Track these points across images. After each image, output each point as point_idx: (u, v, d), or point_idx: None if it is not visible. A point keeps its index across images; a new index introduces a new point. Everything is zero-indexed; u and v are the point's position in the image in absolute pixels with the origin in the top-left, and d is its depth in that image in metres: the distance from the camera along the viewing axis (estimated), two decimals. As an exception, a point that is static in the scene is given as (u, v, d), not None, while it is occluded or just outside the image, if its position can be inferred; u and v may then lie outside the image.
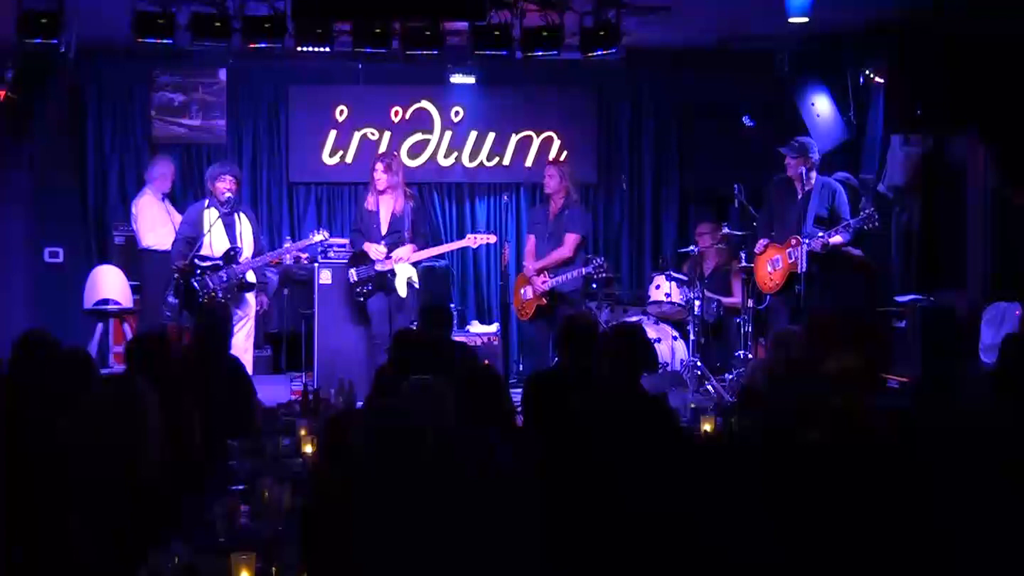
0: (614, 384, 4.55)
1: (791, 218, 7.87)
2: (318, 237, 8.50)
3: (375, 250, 8.28)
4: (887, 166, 9.01)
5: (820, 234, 7.69)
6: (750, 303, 8.52)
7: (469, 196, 10.44)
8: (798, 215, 7.82)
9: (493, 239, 9.02)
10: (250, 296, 8.35)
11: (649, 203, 10.49)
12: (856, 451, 3.44)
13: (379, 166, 8.41)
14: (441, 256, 9.47)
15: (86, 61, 8.94)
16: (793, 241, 7.73)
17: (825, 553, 3.11)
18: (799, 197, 7.87)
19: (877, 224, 7.81)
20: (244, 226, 8.29)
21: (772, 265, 7.93)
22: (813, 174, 7.90)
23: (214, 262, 8.08)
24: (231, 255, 8.10)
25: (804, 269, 7.58)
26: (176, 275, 8.00)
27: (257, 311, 8.53)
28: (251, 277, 8.27)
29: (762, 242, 8.04)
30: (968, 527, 3.09)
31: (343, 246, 8.85)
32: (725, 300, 9.12)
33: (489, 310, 10.31)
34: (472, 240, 8.83)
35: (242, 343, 8.00)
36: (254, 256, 8.27)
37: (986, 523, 3.11)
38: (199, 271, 8.03)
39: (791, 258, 7.75)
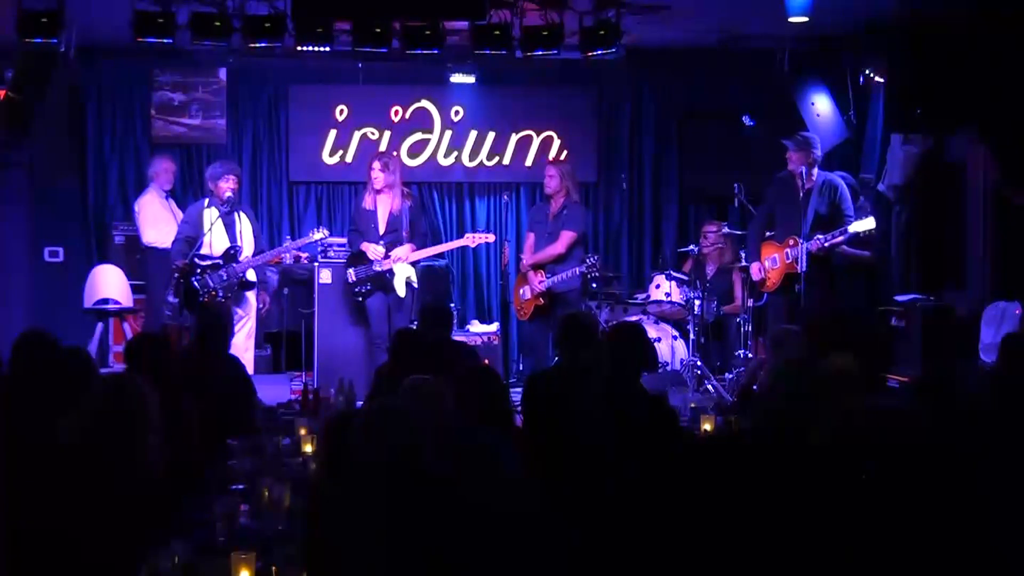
0: (614, 384, 4.55)
1: (792, 216, 7.81)
2: (317, 236, 8.49)
3: (373, 250, 8.27)
4: (887, 166, 9.01)
5: (818, 236, 7.63)
6: (750, 303, 8.52)
7: (469, 195, 10.45)
8: (798, 213, 7.77)
9: (491, 238, 9.01)
10: (250, 295, 8.34)
11: (649, 203, 10.49)
12: (855, 451, 3.44)
13: (376, 165, 8.41)
14: (441, 255, 9.47)
15: (86, 61, 8.94)
16: (791, 241, 7.71)
17: (825, 553, 3.11)
18: (800, 195, 7.82)
19: (873, 232, 7.77)
20: (244, 225, 8.28)
21: (770, 263, 7.90)
22: (815, 171, 7.82)
23: (214, 261, 8.07)
24: (231, 254, 8.10)
25: (804, 269, 7.55)
26: (177, 275, 8.00)
27: (259, 309, 8.52)
28: (251, 276, 8.26)
29: (756, 267, 7.97)
30: (968, 526, 3.09)
31: (343, 246, 8.85)
32: (725, 308, 9.11)
33: (489, 310, 10.31)
34: (471, 239, 8.83)
35: (242, 343, 7.99)
36: (254, 255, 8.27)
37: (986, 522, 3.11)
38: (199, 270, 8.03)
39: (788, 258, 7.72)
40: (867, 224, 7.67)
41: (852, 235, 7.68)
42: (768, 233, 8.07)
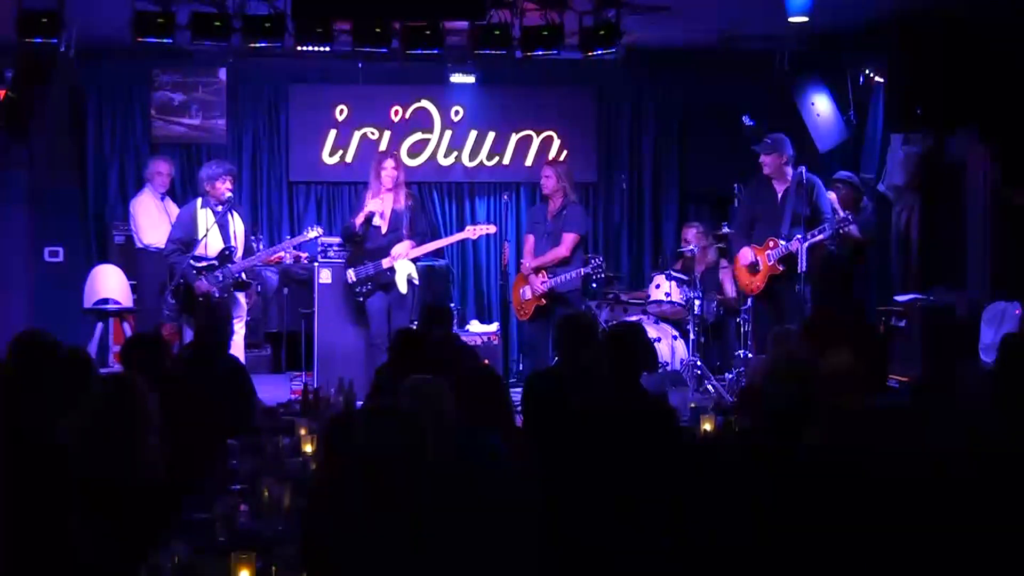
0: (614, 384, 4.55)
1: (771, 218, 7.78)
2: (312, 234, 8.47)
3: (362, 216, 8.25)
4: (887, 166, 9.01)
5: (797, 236, 7.58)
6: (748, 302, 8.52)
7: (469, 195, 10.45)
8: (778, 214, 7.73)
9: (493, 229, 8.97)
10: (241, 297, 8.29)
11: (649, 203, 10.50)
12: (856, 451, 3.44)
13: (389, 163, 8.41)
14: (441, 255, 9.47)
15: (86, 61, 8.93)
16: (771, 243, 7.70)
17: (825, 553, 3.11)
18: (779, 197, 7.81)
19: (852, 228, 7.75)
20: (237, 225, 8.23)
21: (752, 268, 7.86)
22: (788, 169, 7.84)
23: (209, 262, 8.03)
24: (226, 255, 8.05)
25: (804, 268, 7.53)
26: (177, 277, 7.95)
27: (247, 307, 8.47)
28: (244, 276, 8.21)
29: (744, 253, 7.95)
30: (968, 526, 3.09)
31: (343, 245, 8.84)
32: (720, 298, 9.11)
33: (489, 309, 10.32)
34: (472, 231, 8.81)
35: (238, 343, 7.96)
36: (244, 255, 8.23)
37: (985, 522, 3.11)
38: (195, 271, 7.99)
39: (770, 260, 7.71)
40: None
41: (832, 233, 7.63)
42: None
